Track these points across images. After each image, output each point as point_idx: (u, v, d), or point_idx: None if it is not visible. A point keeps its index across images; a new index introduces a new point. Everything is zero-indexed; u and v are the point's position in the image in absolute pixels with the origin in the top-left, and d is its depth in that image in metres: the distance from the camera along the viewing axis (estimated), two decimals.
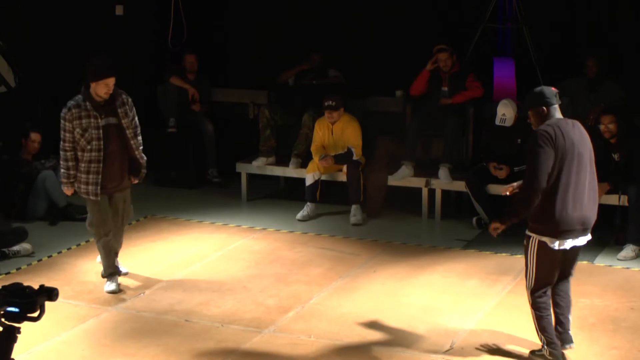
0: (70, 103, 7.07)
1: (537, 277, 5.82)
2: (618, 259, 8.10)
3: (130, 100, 7.27)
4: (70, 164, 7.15)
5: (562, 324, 6.02)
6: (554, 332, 5.93)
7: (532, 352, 6.08)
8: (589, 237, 5.87)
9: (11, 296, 3.22)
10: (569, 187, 5.65)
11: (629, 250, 8.15)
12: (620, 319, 6.74)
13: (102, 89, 7.00)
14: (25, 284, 3.36)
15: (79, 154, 7.11)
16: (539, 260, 5.78)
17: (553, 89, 5.87)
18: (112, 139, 7.12)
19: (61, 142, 7.15)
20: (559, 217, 5.64)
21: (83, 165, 7.11)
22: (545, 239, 5.71)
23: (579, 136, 5.76)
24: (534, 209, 5.68)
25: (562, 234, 5.69)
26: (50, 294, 3.22)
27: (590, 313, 6.87)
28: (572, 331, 6.46)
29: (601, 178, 8.33)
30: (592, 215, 5.80)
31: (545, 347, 5.91)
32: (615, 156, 8.42)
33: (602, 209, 8.21)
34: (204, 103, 10.88)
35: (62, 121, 7.09)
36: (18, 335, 3.26)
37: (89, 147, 7.04)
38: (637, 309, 6.95)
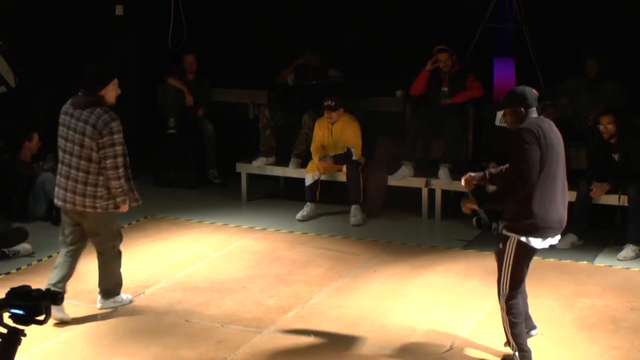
0: (112, 114, 6.61)
1: (512, 279, 5.76)
2: (618, 259, 8.10)
3: None
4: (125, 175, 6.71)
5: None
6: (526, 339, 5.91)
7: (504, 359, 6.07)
8: (559, 237, 5.85)
9: (16, 299, 3.22)
10: (550, 186, 5.66)
11: (629, 250, 8.14)
12: (621, 319, 6.74)
13: (114, 92, 6.74)
14: (25, 284, 3.37)
15: None
16: (516, 260, 5.72)
17: (534, 91, 5.83)
18: None
19: (118, 159, 6.55)
20: (541, 215, 5.62)
21: None
22: (525, 238, 5.66)
23: (556, 137, 5.77)
24: (515, 208, 5.67)
25: (542, 232, 5.67)
26: (55, 297, 3.23)
27: (590, 313, 6.87)
28: (572, 331, 6.50)
29: (601, 178, 8.42)
30: (565, 214, 5.80)
31: (517, 354, 5.86)
32: (615, 156, 8.42)
33: (602, 209, 8.22)
34: (204, 104, 10.88)
35: (116, 135, 6.52)
36: (23, 337, 3.26)
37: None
38: (637, 309, 6.95)
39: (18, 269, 7.93)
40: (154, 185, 10.59)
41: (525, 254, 5.74)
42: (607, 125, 8.35)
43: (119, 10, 10.85)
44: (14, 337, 3.25)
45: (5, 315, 3.26)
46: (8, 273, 7.80)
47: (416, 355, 6.21)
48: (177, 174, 10.63)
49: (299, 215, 9.41)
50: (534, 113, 5.78)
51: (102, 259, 6.93)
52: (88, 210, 6.63)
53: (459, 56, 9.64)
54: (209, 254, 8.37)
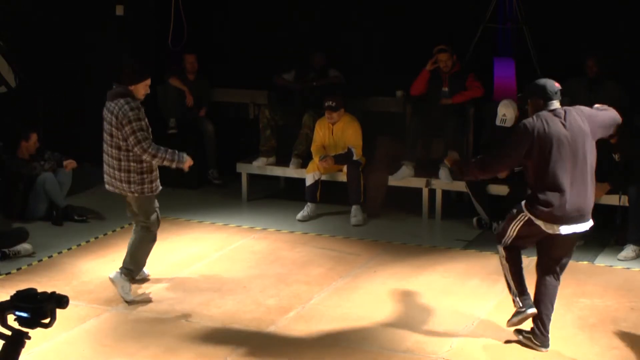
0: (132, 103, 6.92)
1: (515, 237, 6.09)
2: (618, 259, 8.10)
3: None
4: (162, 147, 7.00)
5: (543, 324, 6.15)
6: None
7: (519, 332, 6.26)
8: (590, 223, 6.01)
9: (21, 301, 3.23)
10: (552, 178, 5.81)
11: (629, 250, 8.15)
12: (621, 319, 6.74)
13: (143, 89, 7.05)
14: (26, 284, 3.37)
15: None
16: (521, 229, 6.03)
17: (556, 84, 6.00)
18: None
19: (144, 143, 6.85)
20: (555, 204, 5.81)
21: (146, 164, 6.98)
22: (538, 222, 5.91)
23: (571, 125, 5.88)
24: (528, 195, 5.97)
25: (556, 220, 5.86)
26: (60, 301, 3.23)
27: (590, 313, 6.87)
28: (572, 331, 6.49)
29: (601, 178, 8.41)
30: (586, 201, 5.93)
31: (517, 298, 6.15)
32: (616, 156, 8.42)
33: (602, 209, 8.21)
34: (204, 103, 10.88)
35: (134, 122, 6.84)
36: (27, 340, 3.26)
37: None
38: (638, 309, 6.95)
39: (18, 269, 7.93)
40: None
41: (530, 227, 5.97)
42: None
43: (119, 10, 10.85)
44: (18, 340, 3.25)
45: (10, 317, 3.26)
46: (8, 273, 7.80)
47: (416, 355, 6.21)
48: (177, 174, 10.60)
49: (299, 216, 9.41)
50: (553, 105, 5.95)
51: (135, 237, 7.25)
52: (127, 193, 7.08)
53: (459, 56, 9.64)
54: (209, 254, 8.37)
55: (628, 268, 7.94)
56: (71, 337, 6.51)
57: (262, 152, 10.10)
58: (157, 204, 7.24)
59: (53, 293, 3.26)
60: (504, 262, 6.18)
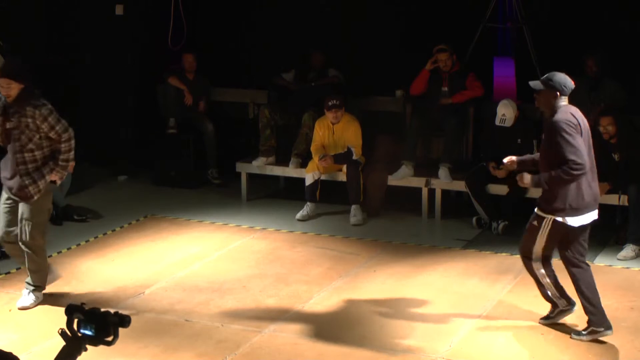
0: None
1: (544, 248, 6.28)
2: (618, 259, 8.10)
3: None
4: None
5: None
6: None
7: (577, 333, 6.39)
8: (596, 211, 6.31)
9: (88, 320, 3.33)
10: (588, 168, 6.09)
11: (629, 250, 8.15)
12: (620, 318, 6.74)
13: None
14: (95, 306, 3.49)
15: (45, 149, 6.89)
16: (550, 237, 6.20)
17: (572, 82, 6.17)
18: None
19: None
20: (584, 196, 6.10)
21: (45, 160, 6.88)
22: (562, 218, 6.10)
23: (586, 122, 6.25)
24: (550, 191, 6.10)
25: (582, 211, 6.13)
26: (123, 320, 3.33)
27: None
28: (572, 331, 6.49)
29: (601, 178, 8.40)
30: (598, 190, 6.32)
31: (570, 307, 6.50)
32: (615, 156, 8.42)
33: (602, 208, 8.23)
34: (204, 100, 10.85)
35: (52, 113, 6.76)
36: (84, 351, 3.37)
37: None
38: (637, 309, 6.95)
39: (18, 268, 7.91)
40: (154, 185, 10.59)
41: (558, 231, 6.17)
42: (606, 127, 8.35)
43: (119, 10, 10.85)
44: (78, 345, 3.33)
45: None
46: (8, 273, 7.80)
47: (416, 355, 6.21)
48: (177, 174, 10.63)
49: (299, 215, 9.41)
50: (564, 101, 6.13)
51: None
52: None
53: (459, 56, 9.64)
54: (209, 253, 8.37)
55: (627, 267, 7.94)
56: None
57: (261, 151, 10.09)
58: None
59: (116, 312, 3.35)
60: (545, 280, 6.48)
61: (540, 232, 6.23)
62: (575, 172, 5.98)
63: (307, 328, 6.65)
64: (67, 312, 3.35)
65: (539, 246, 6.29)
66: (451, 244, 8.66)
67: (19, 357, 3.34)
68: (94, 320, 3.31)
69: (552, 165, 6.07)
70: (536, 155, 6.61)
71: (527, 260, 6.41)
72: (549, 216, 6.18)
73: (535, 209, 6.29)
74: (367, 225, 9.28)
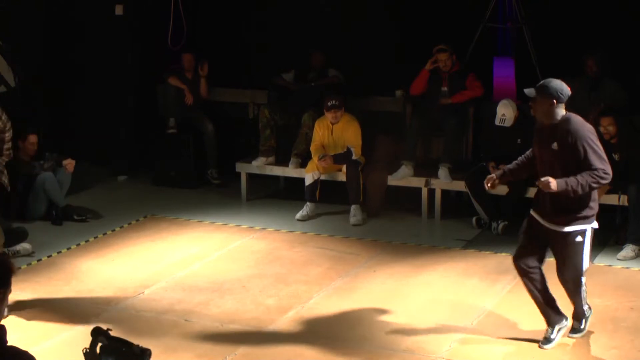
0: None
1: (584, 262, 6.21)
2: (618, 259, 8.10)
3: None
4: None
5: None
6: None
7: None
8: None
9: (111, 348, 3.51)
10: None
11: (628, 250, 8.14)
12: (620, 318, 6.74)
13: None
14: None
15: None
16: (591, 247, 6.18)
17: (569, 89, 6.00)
18: None
19: None
20: (598, 200, 6.12)
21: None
22: (593, 224, 6.08)
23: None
24: (579, 200, 5.95)
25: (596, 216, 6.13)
26: (144, 353, 3.41)
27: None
28: (571, 332, 6.49)
29: None
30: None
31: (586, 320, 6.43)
32: (616, 156, 8.41)
33: (602, 209, 8.22)
34: (202, 94, 10.82)
35: None
36: None
37: None
38: (637, 309, 6.95)
39: (18, 268, 7.89)
40: (154, 185, 10.59)
41: (592, 238, 6.15)
42: (607, 127, 8.35)
43: (118, 10, 10.84)
44: None
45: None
46: None
47: (416, 354, 6.21)
48: (177, 174, 10.63)
49: (298, 215, 9.41)
50: (561, 109, 5.95)
51: None
52: None
53: (459, 56, 9.64)
54: (209, 253, 8.37)
55: (627, 268, 7.94)
56: (71, 337, 6.51)
57: (261, 151, 10.09)
58: None
59: (138, 346, 3.50)
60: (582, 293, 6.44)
61: (584, 247, 6.08)
62: (604, 181, 5.89)
63: (307, 328, 6.65)
64: (92, 334, 3.38)
65: (586, 261, 6.15)
66: (451, 244, 8.66)
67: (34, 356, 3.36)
68: (116, 351, 3.34)
69: (569, 173, 5.84)
70: (520, 161, 6.39)
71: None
72: (587, 226, 6.05)
73: (565, 228, 6.01)
74: (367, 225, 9.28)
